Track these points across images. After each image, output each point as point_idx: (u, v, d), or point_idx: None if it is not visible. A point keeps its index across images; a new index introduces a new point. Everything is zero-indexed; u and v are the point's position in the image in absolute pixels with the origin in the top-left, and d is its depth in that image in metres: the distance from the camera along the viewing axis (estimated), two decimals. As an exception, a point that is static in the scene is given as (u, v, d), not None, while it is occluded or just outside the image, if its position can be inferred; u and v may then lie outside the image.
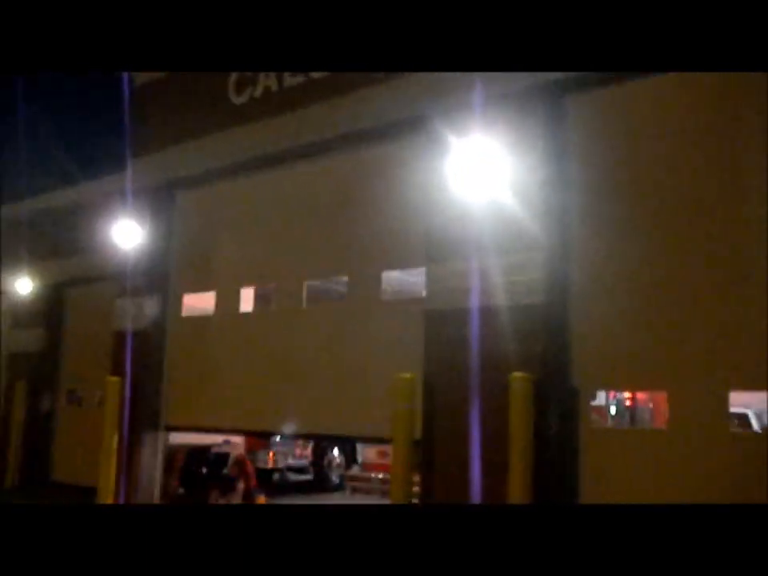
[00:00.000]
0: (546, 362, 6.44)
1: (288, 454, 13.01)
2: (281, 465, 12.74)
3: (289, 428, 8.70)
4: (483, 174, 6.69)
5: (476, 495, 6.37)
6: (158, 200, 9.99)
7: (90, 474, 11.66)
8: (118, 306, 10.04)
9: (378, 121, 7.72)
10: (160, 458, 9.68)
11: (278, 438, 12.80)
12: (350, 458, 14.18)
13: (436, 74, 7.13)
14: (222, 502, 10.12)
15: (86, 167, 11.73)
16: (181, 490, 10.03)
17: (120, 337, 9.88)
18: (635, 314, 6.30)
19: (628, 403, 11.50)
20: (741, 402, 6.83)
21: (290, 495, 12.43)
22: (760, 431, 7.58)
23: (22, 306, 13.38)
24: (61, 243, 12.33)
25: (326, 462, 13.74)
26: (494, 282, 6.64)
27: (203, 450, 10.45)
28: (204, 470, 10.22)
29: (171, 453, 9.97)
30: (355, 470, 11.29)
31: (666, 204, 6.27)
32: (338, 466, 14.03)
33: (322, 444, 13.70)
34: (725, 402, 5.86)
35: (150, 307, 9.78)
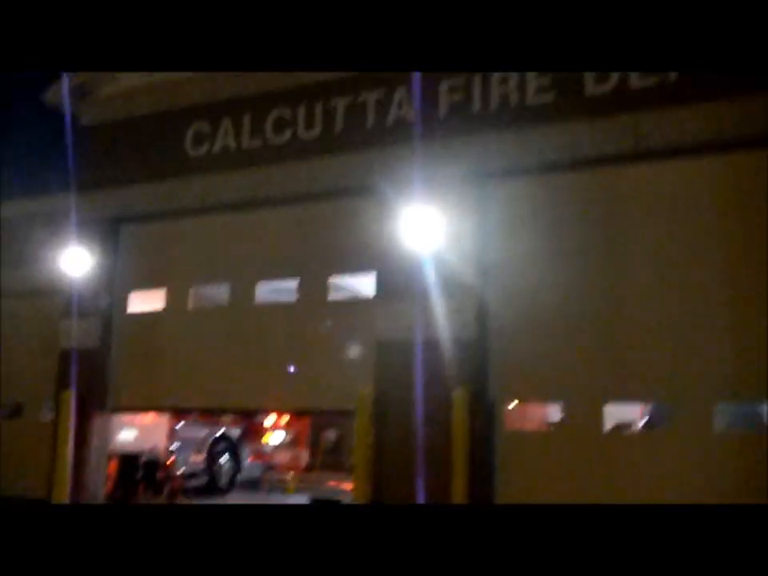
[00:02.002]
0: (472, 381, 8.56)
1: (185, 461, 14.19)
2: (180, 470, 13.91)
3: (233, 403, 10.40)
4: (427, 233, 8.71)
5: (420, 486, 8.33)
6: (103, 231, 11.05)
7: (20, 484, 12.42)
8: (63, 325, 10.96)
9: (332, 185, 9.51)
10: (105, 464, 10.76)
11: (178, 446, 14.00)
12: (238, 464, 15.66)
13: (386, 153, 9.13)
14: (152, 502, 11.34)
15: (29, 186, 12.34)
16: (118, 492, 11.09)
17: (66, 354, 10.82)
18: (538, 346, 8.57)
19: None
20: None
21: (189, 497, 13.69)
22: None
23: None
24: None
25: (216, 467, 15.10)
26: (434, 319, 8.68)
27: (134, 456, 11.55)
28: (138, 474, 11.33)
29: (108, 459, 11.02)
30: (270, 472, 12.82)
31: (559, 264, 8.62)
32: (227, 471, 15.45)
33: (213, 452, 15.05)
34: (600, 411, 8.29)
35: (95, 325, 10.84)
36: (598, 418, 8.27)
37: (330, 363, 9.53)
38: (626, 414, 10.31)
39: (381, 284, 9.15)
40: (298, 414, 11.84)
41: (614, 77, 8.27)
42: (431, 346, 8.61)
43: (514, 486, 8.39)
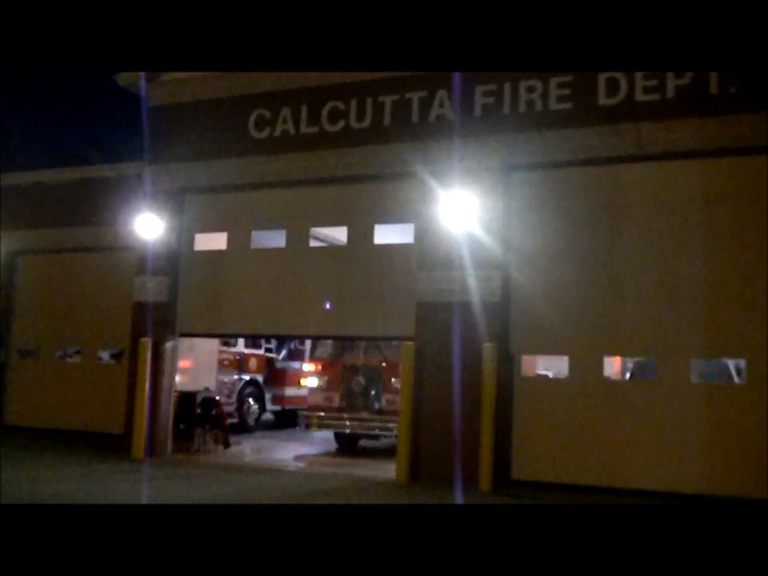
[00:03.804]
0: (497, 337, 10.49)
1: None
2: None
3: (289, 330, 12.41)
4: (461, 214, 10.54)
5: (455, 421, 10.29)
6: (171, 199, 12.69)
7: (41, 418, 14.29)
8: (137, 281, 12.67)
9: (380, 170, 11.27)
10: (173, 400, 12.57)
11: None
12: (262, 406, 17.62)
13: (428, 145, 10.88)
14: (209, 435, 13.20)
15: (106, 154, 13.98)
16: (181, 426, 12.91)
17: (139, 306, 12.56)
18: (550, 309, 10.51)
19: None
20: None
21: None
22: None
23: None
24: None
25: (245, 408, 17.02)
26: (466, 285, 10.56)
27: (192, 395, 13.37)
28: (196, 410, 13.16)
29: (170, 397, 12.81)
30: (304, 412, 14.71)
31: (570, 244, 10.52)
32: (253, 412, 17.39)
33: (242, 395, 16.94)
34: (600, 362, 10.30)
35: (164, 281, 12.55)
36: (598, 367, 10.29)
37: (373, 298, 11.42)
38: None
39: (421, 255, 10.97)
40: (341, 339, 13.52)
41: (623, 91, 10.09)
42: (463, 307, 10.52)
43: (529, 416, 10.40)
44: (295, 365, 18.58)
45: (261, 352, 17.85)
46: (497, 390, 10.22)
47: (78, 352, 15.19)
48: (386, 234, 11.91)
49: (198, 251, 12.88)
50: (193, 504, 7.70)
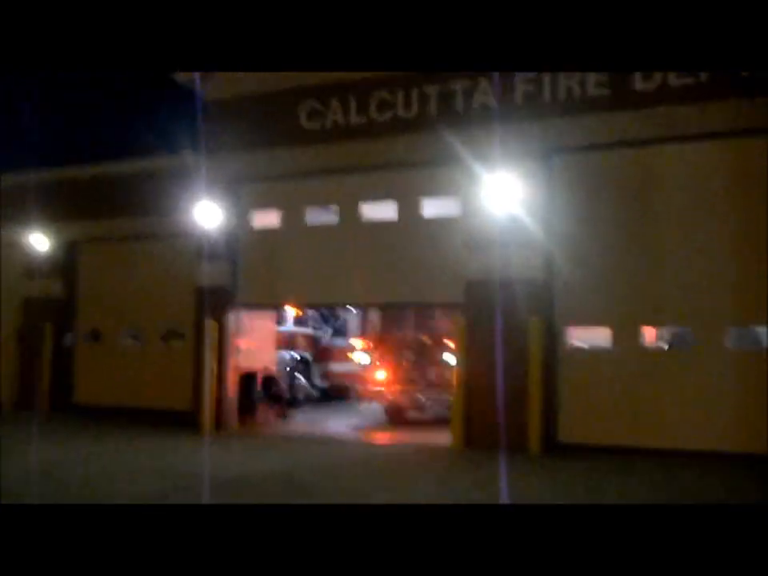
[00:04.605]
0: (542, 312, 11.20)
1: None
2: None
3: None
4: (506, 196, 11.21)
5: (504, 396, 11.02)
6: (228, 188, 13.50)
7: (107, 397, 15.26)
8: (199, 267, 13.51)
9: (426, 156, 11.96)
10: (236, 380, 13.47)
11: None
12: (311, 382, 18.53)
13: (472, 131, 11.54)
14: (272, 411, 14.09)
15: (164, 146, 14.78)
16: (245, 403, 13.79)
17: (201, 290, 13.41)
18: (591, 284, 11.18)
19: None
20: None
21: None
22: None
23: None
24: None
25: (296, 383, 17.92)
26: (511, 263, 11.26)
27: (253, 373, 14.24)
28: (258, 388, 14.04)
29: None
30: (356, 386, 15.57)
31: (608, 222, 11.17)
32: (303, 387, 18.30)
33: (293, 372, 17.83)
34: (639, 332, 10.98)
35: (225, 267, 13.42)
36: (638, 338, 10.97)
37: (422, 267, 12.17)
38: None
39: (469, 236, 11.66)
40: (392, 307, 14.29)
41: (657, 76, 10.66)
42: (509, 285, 11.23)
43: (573, 384, 11.13)
44: (341, 342, 19.43)
45: (309, 331, 18.70)
46: (543, 361, 10.96)
47: (137, 336, 16.12)
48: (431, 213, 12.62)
49: (256, 230, 13.74)
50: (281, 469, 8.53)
